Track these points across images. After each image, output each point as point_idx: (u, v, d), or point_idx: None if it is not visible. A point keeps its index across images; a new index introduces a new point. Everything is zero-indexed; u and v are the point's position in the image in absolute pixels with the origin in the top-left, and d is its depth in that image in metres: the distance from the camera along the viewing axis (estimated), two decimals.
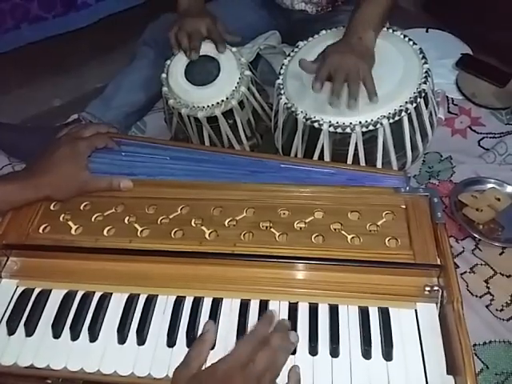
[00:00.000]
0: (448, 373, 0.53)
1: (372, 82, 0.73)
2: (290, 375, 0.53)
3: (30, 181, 0.68)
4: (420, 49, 0.79)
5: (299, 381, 0.53)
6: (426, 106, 0.78)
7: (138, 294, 0.62)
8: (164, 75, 0.90)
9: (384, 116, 0.72)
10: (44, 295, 0.63)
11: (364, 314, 0.58)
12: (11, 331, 0.60)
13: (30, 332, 0.60)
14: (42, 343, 0.59)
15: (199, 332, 0.58)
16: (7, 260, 0.66)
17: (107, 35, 1.43)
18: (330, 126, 0.73)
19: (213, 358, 0.55)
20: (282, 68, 0.83)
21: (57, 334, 0.59)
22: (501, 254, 0.89)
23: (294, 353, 0.55)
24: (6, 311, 0.62)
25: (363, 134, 0.73)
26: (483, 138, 1.08)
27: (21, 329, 0.60)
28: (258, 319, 0.58)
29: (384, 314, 0.57)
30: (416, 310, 0.58)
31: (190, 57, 0.89)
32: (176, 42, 0.91)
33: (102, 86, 1.23)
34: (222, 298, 0.61)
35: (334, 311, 0.58)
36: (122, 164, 0.74)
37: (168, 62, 0.92)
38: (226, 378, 0.48)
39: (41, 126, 1.17)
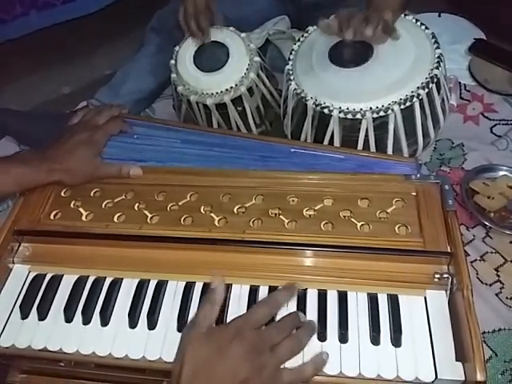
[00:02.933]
0: (457, 359, 0.53)
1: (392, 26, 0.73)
2: (315, 358, 0.51)
3: (44, 165, 0.69)
4: (432, 33, 0.77)
5: (321, 365, 0.51)
6: (438, 91, 0.77)
7: (149, 280, 0.63)
8: (173, 62, 0.90)
9: (395, 102, 0.71)
10: (56, 280, 0.64)
11: (373, 300, 0.58)
12: (24, 315, 0.61)
13: (42, 316, 0.61)
14: (55, 327, 0.60)
15: None
16: (19, 246, 0.67)
17: (115, 22, 1.42)
18: (340, 112, 0.72)
19: None
20: (291, 53, 0.82)
21: (69, 319, 0.60)
22: (511, 242, 0.88)
23: None
24: (19, 296, 0.63)
25: (374, 120, 0.72)
26: (496, 124, 1.06)
27: (34, 313, 0.61)
28: None
29: (393, 301, 0.57)
30: (425, 297, 0.58)
31: (201, 40, 0.88)
32: (185, 26, 0.90)
33: (111, 72, 1.23)
34: (232, 284, 0.61)
35: (342, 298, 0.58)
36: (133, 148, 0.75)
37: (177, 48, 0.91)
38: (237, 334, 0.47)
39: (50, 113, 1.17)
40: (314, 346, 0.55)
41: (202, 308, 0.51)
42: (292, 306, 0.58)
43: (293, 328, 0.51)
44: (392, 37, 0.72)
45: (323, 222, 0.63)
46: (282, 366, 0.49)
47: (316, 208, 0.65)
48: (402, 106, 0.71)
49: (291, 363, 0.50)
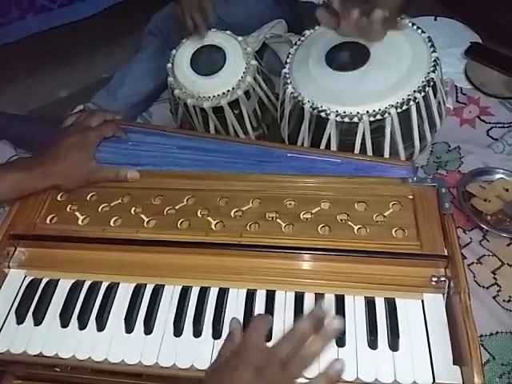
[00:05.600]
0: (454, 363, 0.53)
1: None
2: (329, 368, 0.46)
3: (39, 169, 0.69)
4: (428, 37, 0.77)
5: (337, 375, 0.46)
6: (435, 95, 0.77)
7: (145, 284, 0.62)
8: (169, 65, 0.90)
9: (392, 105, 0.71)
10: (52, 285, 0.64)
11: (370, 304, 0.58)
12: (20, 320, 0.61)
13: (38, 321, 0.60)
14: (51, 332, 0.60)
15: (205, 322, 0.58)
16: (15, 250, 0.67)
17: (112, 25, 1.42)
18: (337, 116, 0.72)
19: (217, 347, 0.55)
20: (288, 57, 0.82)
21: (65, 323, 0.60)
22: (508, 245, 0.88)
23: None
24: (14, 301, 0.63)
25: (370, 123, 0.72)
26: (492, 127, 1.07)
27: (29, 318, 0.61)
28: (265, 309, 0.58)
29: (390, 305, 0.57)
30: (423, 301, 0.58)
31: (199, 35, 0.88)
32: (184, 22, 0.90)
33: (108, 76, 1.23)
34: (229, 288, 0.61)
35: (340, 301, 0.58)
36: (129, 153, 0.75)
37: (173, 51, 0.91)
38: (258, 375, 0.44)
39: (47, 117, 1.17)
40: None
41: (223, 347, 0.49)
42: (289, 311, 0.58)
43: (301, 340, 0.46)
44: (397, 28, 0.71)
45: (320, 226, 0.63)
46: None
47: (313, 211, 0.65)
48: (399, 110, 0.71)
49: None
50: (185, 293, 0.61)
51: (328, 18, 0.71)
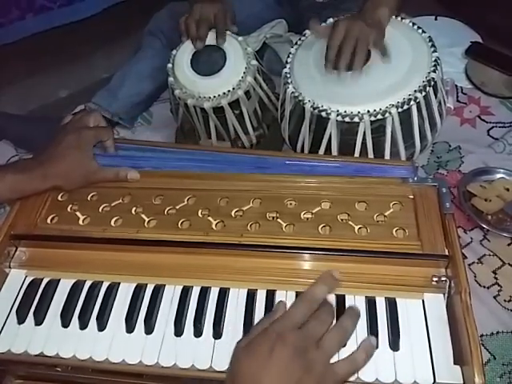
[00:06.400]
0: (455, 363, 0.53)
1: (382, 44, 0.75)
2: (364, 344, 0.47)
3: (38, 170, 0.68)
4: (429, 37, 0.78)
5: (372, 349, 0.46)
6: (435, 94, 0.77)
7: (146, 284, 0.62)
8: (170, 65, 0.90)
9: (392, 105, 0.71)
10: (52, 285, 0.64)
11: (371, 304, 0.58)
12: (21, 320, 0.61)
13: (39, 321, 0.60)
14: (51, 332, 0.60)
15: (206, 322, 0.58)
16: (16, 250, 0.67)
17: (112, 25, 1.42)
18: (337, 115, 0.72)
19: (218, 347, 0.56)
20: (288, 57, 0.82)
21: (65, 323, 0.60)
22: (509, 245, 0.88)
23: None
24: (15, 300, 0.63)
25: (371, 123, 0.72)
26: (492, 127, 1.07)
27: (30, 318, 0.61)
28: (265, 309, 0.58)
29: (391, 305, 0.57)
30: (423, 301, 0.58)
31: (195, 46, 0.88)
32: (185, 29, 0.90)
33: (108, 76, 1.23)
34: (229, 288, 0.61)
35: (340, 301, 0.58)
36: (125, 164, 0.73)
37: (174, 51, 0.91)
38: (278, 339, 0.43)
39: (47, 117, 1.17)
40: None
41: (260, 322, 0.48)
42: None
43: (333, 317, 0.47)
44: (385, 61, 0.74)
45: (321, 226, 0.63)
46: (332, 360, 0.45)
47: (313, 211, 0.65)
48: (400, 109, 0.71)
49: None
50: (185, 293, 0.61)
51: (324, 31, 0.73)
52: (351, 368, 0.45)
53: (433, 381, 0.52)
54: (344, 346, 0.47)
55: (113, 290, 0.62)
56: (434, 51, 0.75)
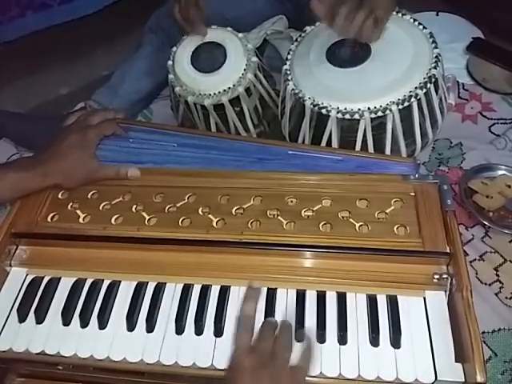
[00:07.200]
0: (456, 360, 0.53)
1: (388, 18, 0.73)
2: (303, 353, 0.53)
3: (40, 169, 0.68)
4: (430, 33, 0.77)
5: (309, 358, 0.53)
6: (436, 91, 0.76)
7: (147, 282, 0.62)
8: (170, 62, 0.89)
9: (393, 102, 0.71)
10: (53, 283, 0.64)
11: (372, 301, 0.58)
12: (22, 318, 0.61)
13: (40, 319, 0.61)
14: (52, 330, 0.60)
15: (207, 320, 0.58)
16: (16, 249, 0.67)
17: (112, 22, 1.42)
18: (338, 113, 0.72)
19: (219, 345, 0.56)
20: (289, 53, 0.82)
21: (66, 322, 0.60)
22: (511, 242, 0.88)
23: (301, 340, 0.55)
24: (16, 299, 0.63)
25: (372, 120, 0.72)
26: (494, 123, 1.06)
27: (31, 316, 0.61)
28: (266, 307, 0.58)
29: (392, 302, 0.57)
30: (425, 298, 0.58)
31: (193, 32, 0.87)
32: (183, 22, 0.89)
33: (109, 73, 1.22)
34: (230, 286, 0.61)
35: (341, 299, 0.58)
36: (129, 151, 0.74)
37: (174, 48, 0.91)
38: (236, 367, 0.50)
39: (48, 115, 1.17)
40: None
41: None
42: (291, 308, 0.58)
43: (275, 330, 0.53)
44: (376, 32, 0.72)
45: (322, 223, 0.63)
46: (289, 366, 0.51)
47: (314, 209, 0.65)
48: (400, 106, 0.71)
49: None
50: (186, 291, 0.61)
51: (321, 9, 0.71)
52: (307, 363, 0.52)
53: (434, 378, 0.52)
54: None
55: (114, 288, 0.62)
56: (435, 47, 0.75)
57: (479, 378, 0.49)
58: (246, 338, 0.52)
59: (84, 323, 0.60)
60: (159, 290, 0.61)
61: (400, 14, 0.80)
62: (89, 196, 0.70)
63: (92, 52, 1.47)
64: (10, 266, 0.66)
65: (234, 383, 0.48)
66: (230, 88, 0.84)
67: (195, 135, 0.77)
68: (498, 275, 0.84)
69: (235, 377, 0.49)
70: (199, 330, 0.58)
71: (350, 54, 0.76)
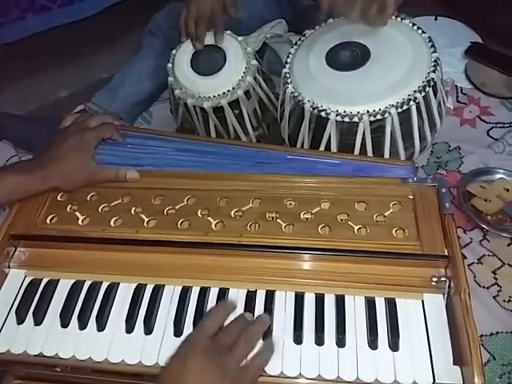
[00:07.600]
0: (454, 363, 0.53)
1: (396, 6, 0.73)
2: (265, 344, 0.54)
3: (38, 172, 0.68)
4: (429, 37, 0.77)
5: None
6: (435, 95, 0.77)
7: (145, 284, 0.62)
8: (170, 65, 0.90)
9: (392, 105, 0.71)
10: (52, 285, 0.64)
11: (370, 304, 0.58)
12: (20, 320, 0.61)
13: (38, 321, 0.60)
14: (51, 332, 0.60)
15: None
16: (15, 250, 0.67)
17: (112, 25, 1.42)
18: (337, 115, 0.72)
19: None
20: (288, 57, 0.82)
21: (65, 323, 0.60)
22: (509, 245, 0.88)
23: (299, 342, 0.55)
24: (14, 301, 0.63)
25: (371, 123, 0.72)
26: (492, 127, 1.07)
27: (29, 318, 0.61)
28: (264, 309, 0.58)
29: (391, 305, 0.57)
30: (423, 301, 0.58)
31: (194, 46, 0.88)
32: (184, 28, 0.90)
33: (108, 76, 1.23)
34: (229, 288, 0.61)
35: (340, 301, 0.58)
36: (128, 155, 0.74)
37: (174, 51, 0.91)
38: (192, 346, 0.50)
39: (47, 117, 1.17)
40: (310, 350, 0.55)
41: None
42: (289, 311, 0.58)
43: (240, 328, 0.54)
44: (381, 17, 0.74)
45: (320, 226, 0.63)
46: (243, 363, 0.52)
47: (313, 211, 0.65)
48: (399, 110, 0.71)
49: None
50: (185, 293, 0.61)
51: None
52: (260, 365, 0.52)
53: (432, 381, 0.52)
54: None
55: (112, 290, 0.62)
56: (434, 51, 0.75)
57: (477, 381, 0.49)
58: (212, 326, 0.52)
59: (82, 325, 0.60)
60: (158, 292, 0.61)
61: (399, 19, 0.81)
62: (88, 198, 0.70)
63: (92, 54, 1.47)
64: (9, 267, 0.66)
65: (184, 357, 0.49)
66: (229, 91, 0.85)
67: (193, 141, 0.77)
68: (496, 278, 0.84)
69: (187, 353, 0.49)
70: None
71: (349, 57, 0.77)
